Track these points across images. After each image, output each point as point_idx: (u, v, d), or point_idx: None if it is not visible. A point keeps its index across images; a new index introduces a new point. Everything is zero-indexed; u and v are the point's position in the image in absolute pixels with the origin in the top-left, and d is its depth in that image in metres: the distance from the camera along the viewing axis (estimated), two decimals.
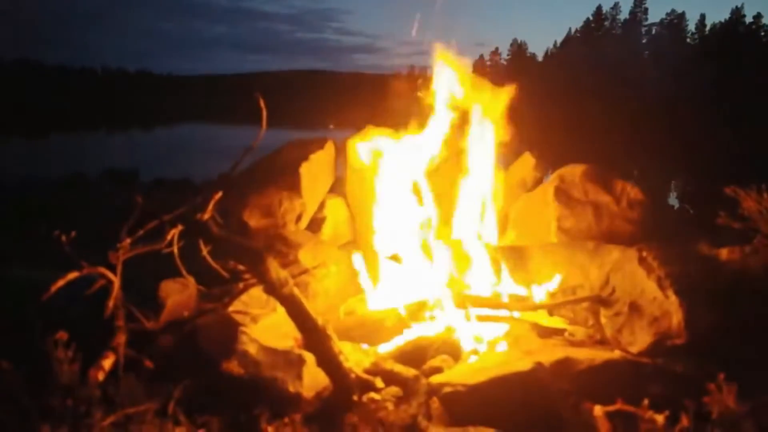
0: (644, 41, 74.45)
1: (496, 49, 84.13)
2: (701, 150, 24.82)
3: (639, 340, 3.44)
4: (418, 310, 3.96)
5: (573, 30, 79.57)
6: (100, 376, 2.68)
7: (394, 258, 4.34)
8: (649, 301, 3.47)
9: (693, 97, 45.45)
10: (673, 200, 11.68)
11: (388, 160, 4.51)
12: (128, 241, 3.01)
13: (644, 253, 3.61)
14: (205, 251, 3.26)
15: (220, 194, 3.05)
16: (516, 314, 3.95)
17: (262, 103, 3.23)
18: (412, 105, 4.70)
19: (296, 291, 3.07)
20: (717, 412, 2.42)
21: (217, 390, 2.96)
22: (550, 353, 3.38)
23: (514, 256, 4.37)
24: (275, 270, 3.01)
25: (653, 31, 75.31)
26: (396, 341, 3.76)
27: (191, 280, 3.54)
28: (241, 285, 3.39)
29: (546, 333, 3.86)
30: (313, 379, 3.04)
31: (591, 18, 77.59)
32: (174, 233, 3.10)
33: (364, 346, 3.69)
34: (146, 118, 49.12)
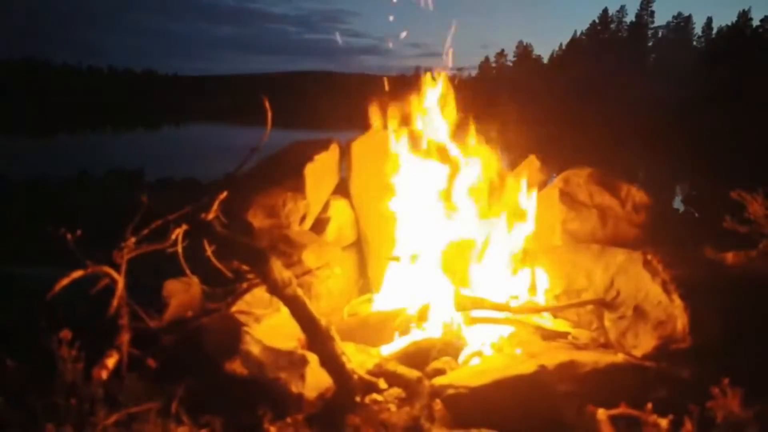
0: (650, 44, 74.31)
1: (502, 51, 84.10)
2: (707, 153, 24.74)
3: (643, 343, 3.42)
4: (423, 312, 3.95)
5: (578, 32, 79.55)
6: (104, 375, 2.69)
7: (395, 259, 4.35)
8: (654, 304, 3.45)
9: (699, 100, 45.32)
10: (678, 204, 11.62)
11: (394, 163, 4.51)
12: (133, 240, 3.02)
13: (649, 257, 3.60)
14: (209, 251, 3.27)
15: (224, 194, 3.05)
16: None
17: (267, 104, 3.24)
18: (416, 106, 4.70)
19: (300, 292, 3.07)
20: (721, 416, 2.41)
21: (220, 390, 2.97)
22: (554, 356, 3.37)
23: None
24: (279, 270, 3.01)
25: (659, 34, 75.19)
26: (399, 343, 3.75)
27: (195, 280, 3.54)
28: (244, 285, 3.39)
29: (550, 336, 3.85)
30: (316, 380, 3.03)
31: (597, 20, 77.54)
32: (178, 233, 3.10)
33: (367, 347, 3.68)
34: (152, 118, 49.27)
